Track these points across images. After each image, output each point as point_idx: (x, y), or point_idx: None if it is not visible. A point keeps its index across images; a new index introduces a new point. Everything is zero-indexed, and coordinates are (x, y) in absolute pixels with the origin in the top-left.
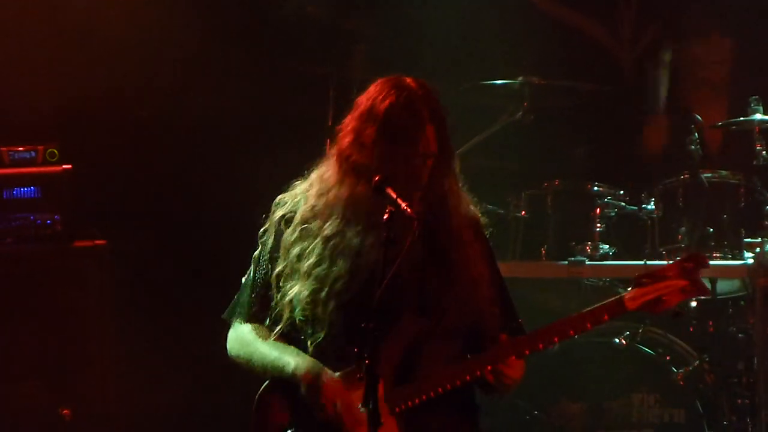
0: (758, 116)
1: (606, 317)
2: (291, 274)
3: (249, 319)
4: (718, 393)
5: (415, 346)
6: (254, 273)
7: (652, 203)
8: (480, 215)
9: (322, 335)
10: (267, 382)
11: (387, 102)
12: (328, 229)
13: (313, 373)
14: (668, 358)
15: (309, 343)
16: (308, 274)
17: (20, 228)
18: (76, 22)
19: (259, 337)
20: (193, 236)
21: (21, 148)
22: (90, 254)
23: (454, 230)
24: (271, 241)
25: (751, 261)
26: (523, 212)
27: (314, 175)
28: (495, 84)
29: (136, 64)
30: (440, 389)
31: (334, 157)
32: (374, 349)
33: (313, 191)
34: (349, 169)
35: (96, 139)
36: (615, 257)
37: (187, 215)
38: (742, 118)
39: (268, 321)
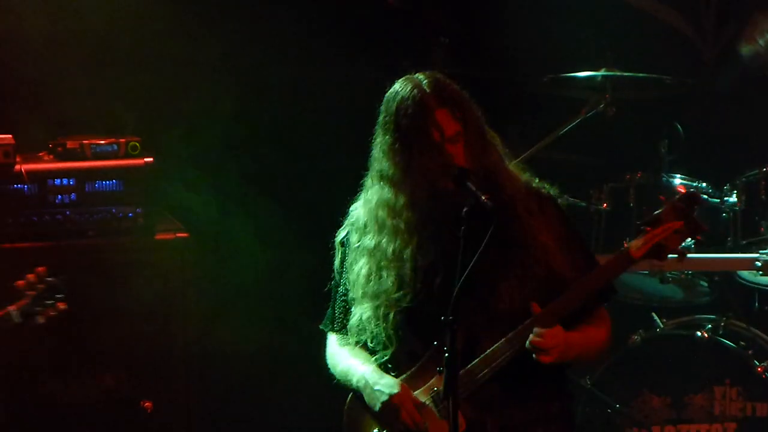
0: None
1: (618, 269)
2: (353, 298)
3: (335, 329)
4: None
5: (472, 337)
6: (334, 285)
7: (734, 195)
8: (535, 183)
9: (390, 351)
10: (351, 395)
11: (394, 102)
12: (374, 245)
13: (370, 381)
14: (751, 351)
15: (383, 361)
16: (365, 294)
17: (102, 221)
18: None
19: (343, 347)
20: (278, 230)
21: (103, 141)
22: (172, 247)
23: (507, 210)
24: (340, 256)
25: None
26: (605, 205)
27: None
28: (577, 77)
29: (216, 53)
30: (486, 370)
31: (372, 172)
32: (453, 341)
33: (364, 204)
34: (381, 179)
35: (178, 131)
36: (697, 250)
37: (271, 208)
38: None
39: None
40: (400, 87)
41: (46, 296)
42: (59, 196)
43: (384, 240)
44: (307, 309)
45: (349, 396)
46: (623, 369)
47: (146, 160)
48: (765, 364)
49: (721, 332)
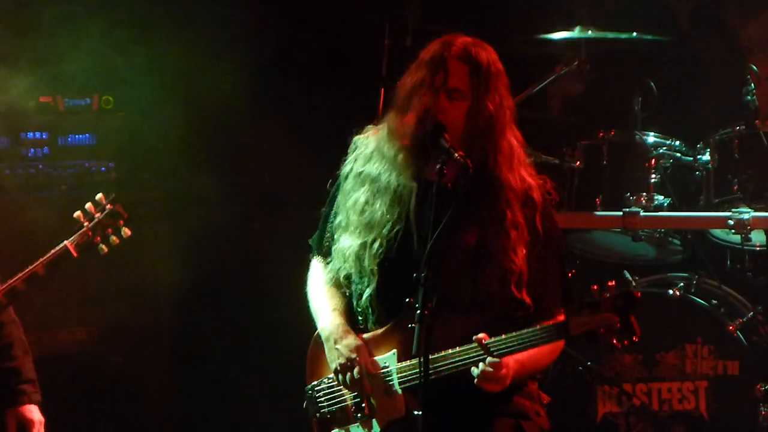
0: None
1: (554, 338)
2: (345, 225)
3: (319, 251)
4: None
5: (452, 318)
6: (327, 208)
7: (708, 154)
8: (541, 188)
9: (369, 289)
10: (317, 332)
11: (430, 46)
12: (375, 173)
13: (333, 336)
14: (722, 309)
15: (357, 296)
16: (358, 222)
17: (75, 175)
18: None
19: (319, 274)
20: (248, 183)
21: (76, 96)
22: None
23: (502, 207)
24: (342, 176)
25: None
26: (579, 163)
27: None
28: (551, 35)
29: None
30: (446, 371)
31: (391, 104)
32: (426, 298)
33: (375, 132)
34: (396, 111)
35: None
36: (670, 208)
37: (242, 161)
38: None
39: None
40: (447, 36)
41: (107, 223)
42: (32, 150)
43: (382, 168)
44: (285, 279)
45: (316, 332)
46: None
47: (119, 114)
48: (737, 322)
49: (693, 290)
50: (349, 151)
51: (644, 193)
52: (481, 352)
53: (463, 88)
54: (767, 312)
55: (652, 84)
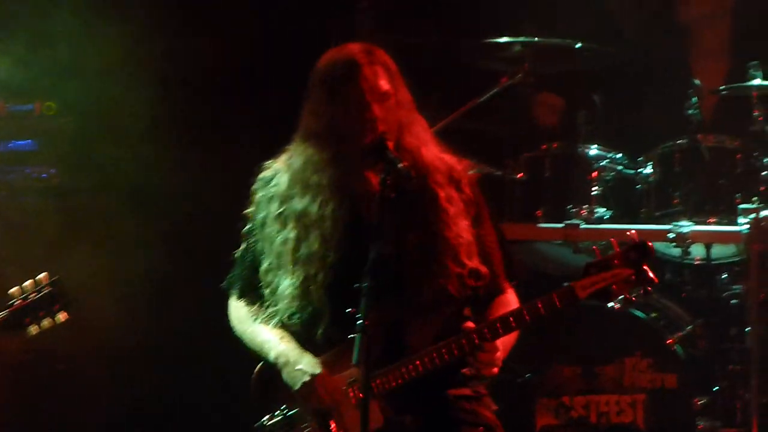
0: (757, 82)
1: (558, 304)
2: (277, 267)
3: (243, 295)
4: (710, 358)
5: (399, 321)
6: (244, 252)
7: (650, 167)
8: (460, 164)
9: (324, 320)
10: (263, 362)
11: (326, 65)
12: (300, 207)
13: (291, 360)
14: (661, 322)
15: (309, 330)
16: (296, 261)
17: (16, 181)
18: None
19: (252, 315)
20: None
21: (18, 101)
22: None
23: (431, 187)
24: (256, 219)
25: (746, 227)
26: (521, 174)
27: (291, 149)
28: (496, 43)
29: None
30: (420, 369)
31: (301, 135)
32: (368, 307)
33: (286, 169)
34: (306, 139)
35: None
36: (611, 221)
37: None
38: (740, 84)
39: (261, 305)
40: (333, 51)
41: (42, 306)
42: None
43: (309, 200)
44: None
45: (260, 365)
46: (535, 338)
47: (61, 120)
48: (676, 335)
49: (632, 304)
50: (255, 190)
51: (586, 206)
52: (471, 340)
53: (387, 89)
54: (706, 325)
55: (595, 97)
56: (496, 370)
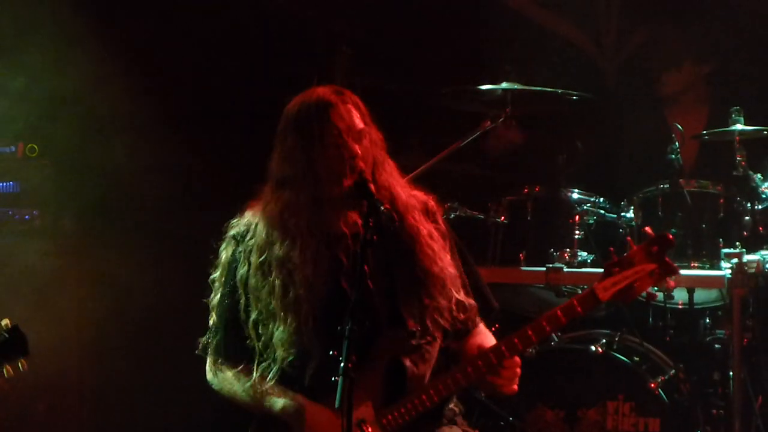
0: (739, 126)
1: (580, 310)
2: (267, 317)
3: (229, 359)
4: (693, 403)
5: (397, 359)
6: (222, 312)
7: (632, 211)
8: (428, 196)
9: (314, 362)
10: (256, 421)
11: (297, 110)
12: (282, 254)
13: (306, 411)
14: (644, 366)
15: (302, 375)
16: (283, 309)
17: None
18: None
19: (242, 376)
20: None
21: (1, 143)
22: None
23: (413, 225)
24: (237, 277)
25: (728, 271)
26: (503, 218)
27: (263, 198)
28: (477, 89)
29: (115, 60)
30: (428, 403)
31: (273, 183)
32: (350, 350)
33: (261, 218)
34: (281, 186)
35: (77, 136)
36: (593, 264)
37: (166, 209)
38: (723, 129)
39: (249, 362)
40: (301, 96)
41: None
42: None
43: (289, 245)
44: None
45: (258, 420)
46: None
47: (44, 162)
48: (658, 379)
49: (615, 347)
50: (224, 244)
51: (568, 249)
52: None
53: (362, 127)
54: (689, 370)
55: (578, 141)
56: (516, 386)
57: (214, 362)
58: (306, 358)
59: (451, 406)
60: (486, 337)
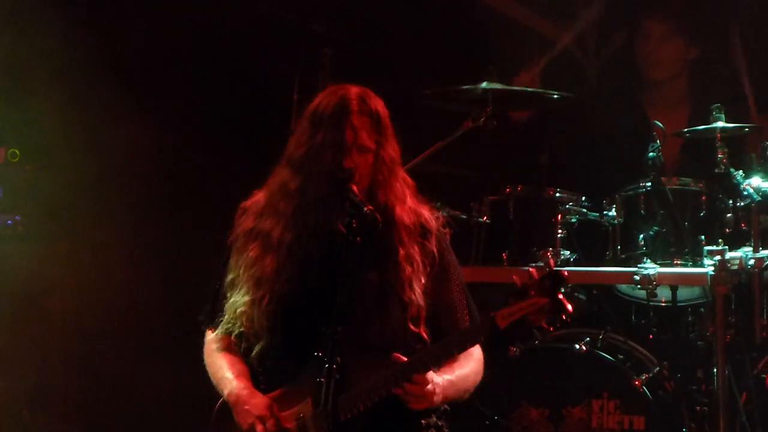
0: (720, 124)
1: (481, 338)
2: (236, 281)
3: (213, 326)
4: (677, 400)
5: (342, 360)
6: (218, 281)
7: (614, 210)
8: (435, 220)
9: (260, 346)
10: (221, 400)
11: (321, 100)
12: (266, 229)
13: (240, 399)
14: (628, 364)
15: (250, 353)
16: (248, 279)
17: None
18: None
19: (219, 350)
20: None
21: None
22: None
23: (395, 245)
24: (231, 251)
25: (711, 269)
26: (486, 218)
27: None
28: (458, 89)
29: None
30: (361, 407)
31: (283, 161)
32: (334, 352)
33: (263, 197)
34: (292, 168)
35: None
36: (576, 263)
37: (148, 215)
38: (704, 126)
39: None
40: (334, 89)
41: None
42: None
43: (273, 224)
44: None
45: (219, 401)
46: (502, 381)
47: (26, 167)
48: (642, 377)
49: (599, 345)
50: (236, 218)
51: (551, 248)
52: (402, 372)
53: (368, 143)
54: (673, 367)
55: (560, 140)
56: (424, 404)
57: (206, 331)
58: (254, 340)
59: (434, 419)
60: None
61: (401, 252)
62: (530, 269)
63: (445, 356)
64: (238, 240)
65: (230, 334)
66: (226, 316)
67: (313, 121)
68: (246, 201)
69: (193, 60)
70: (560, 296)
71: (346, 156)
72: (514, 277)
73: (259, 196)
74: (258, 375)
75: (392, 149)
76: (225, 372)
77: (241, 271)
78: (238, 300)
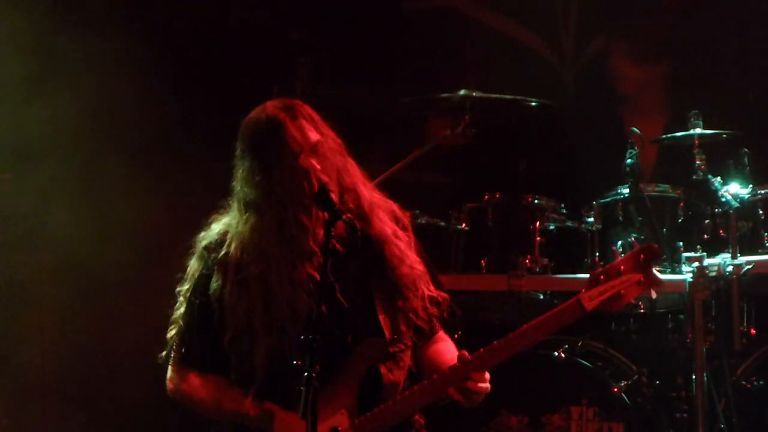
0: (698, 130)
1: (569, 321)
2: (245, 334)
3: (195, 367)
4: (657, 407)
5: (373, 367)
6: (191, 321)
7: (592, 217)
8: (392, 202)
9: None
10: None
11: (249, 127)
12: (259, 273)
13: (271, 416)
14: (607, 371)
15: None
16: (264, 329)
17: None
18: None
19: (209, 383)
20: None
21: None
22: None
23: (379, 226)
24: (211, 288)
25: (690, 275)
26: (464, 225)
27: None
28: (436, 97)
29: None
30: (407, 414)
31: (236, 202)
32: (312, 360)
33: (234, 237)
34: (246, 208)
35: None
36: (554, 270)
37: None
38: (682, 133)
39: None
40: (252, 114)
41: None
42: None
43: (265, 266)
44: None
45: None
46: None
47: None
48: (622, 384)
49: (578, 352)
50: (195, 257)
51: (529, 255)
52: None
53: (317, 139)
54: (652, 374)
55: (538, 147)
56: (481, 398)
57: (178, 370)
58: (285, 378)
59: (416, 417)
60: (447, 345)
61: (387, 230)
62: (613, 248)
63: (527, 344)
64: (222, 295)
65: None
66: (253, 372)
67: (255, 154)
68: (206, 231)
69: (170, 66)
70: (654, 269)
71: (304, 167)
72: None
73: (228, 243)
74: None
75: (333, 138)
76: (229, 390)
77: (244, 323)
78: (258, 351)
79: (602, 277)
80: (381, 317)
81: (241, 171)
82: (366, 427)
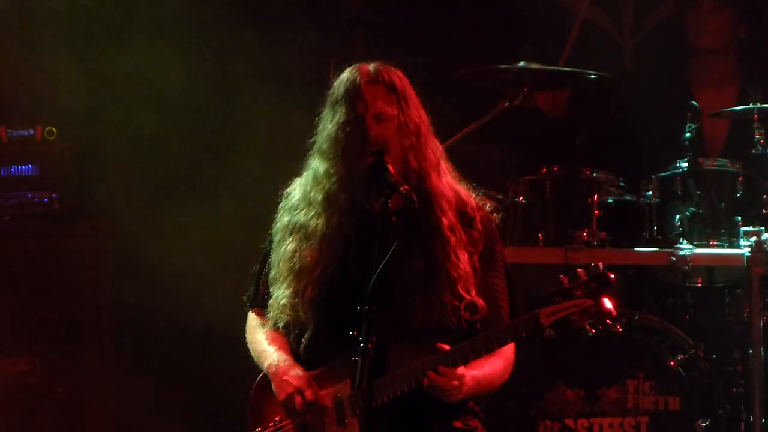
0: (757, 104)
1: (523, 333)
2: (277, 276)
3: (256, 306)
4: (713, 381)
5: (383, 344)
6: (260, 266)
7: (651, 190)
8: (475, 199)
9: (308, 334)
10: (262, 374)
11: (337, 81)
12: (302, 221)
13: (280, 370)
14: (664, 345)
15: (298, 342)
16: (289, 272)
17: (17, 205)
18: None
19: (259, 325)
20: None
21: (20, 126)
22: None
23: (437, 214)
24: (274, 230)
25: (747, 250)
26: (522, 198)
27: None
28: (494, 69)
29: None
30: (391, 394)
31: (312, 151)
32: (369, 331)
33: (298, 190)
34: (320, 156)
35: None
36: (612, 244)
37: (186, 197)
38: (741, 107)
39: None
40: (347, 70)
41: None
42: None
43: (308, 214)
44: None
45: (260, 375)
46: (537, 361)
47: (62, 145)
48: (678, 358)
49: (635, 326)
50: (279, 206)
51: (587, 229)
52: (431, 363)
53: (387, 110)
54: (708, 348)
55: (596, 120)
56: (450, 398)
57: (249, 312)
58: (301, 329)
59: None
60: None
61: (444, 221)
62: (578, 270)
63: (486, 349)
64: (276, 235)
65: (276, 325)
66: (271, 311)
67: (331, 104)
68: (286, 187)
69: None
70: (605, 299)
71: (366, 127)
72: (561, 276)
73: (296, 184)
74: (299, 357)
75: (417, 116)
76: (266, 345)
77: (281, 265)
78: (280, 294)
79: (558, 297)
80: (407, 298)
81: (322, 119)
82: (359, 398)
